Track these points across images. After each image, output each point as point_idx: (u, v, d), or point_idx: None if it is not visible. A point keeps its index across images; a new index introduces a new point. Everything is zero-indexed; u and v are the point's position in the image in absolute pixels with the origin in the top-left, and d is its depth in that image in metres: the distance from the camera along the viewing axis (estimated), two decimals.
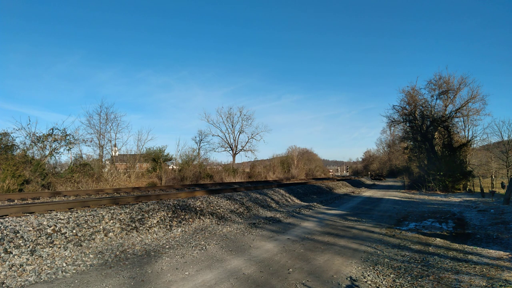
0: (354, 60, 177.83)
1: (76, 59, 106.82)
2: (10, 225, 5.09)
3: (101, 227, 6.05)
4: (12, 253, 4.51)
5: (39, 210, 6.82)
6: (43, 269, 4.37)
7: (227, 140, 43.01)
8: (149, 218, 7.13)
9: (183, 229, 7.28)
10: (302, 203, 14.12)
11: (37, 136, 15.85)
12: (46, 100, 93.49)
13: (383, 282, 4.07)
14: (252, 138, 43.44)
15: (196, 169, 25.70)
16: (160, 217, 7.35)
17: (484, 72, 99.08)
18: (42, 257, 4.67)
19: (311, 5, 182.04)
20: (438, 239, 6.71)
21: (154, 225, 6.97)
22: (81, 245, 5.34)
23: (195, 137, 39.64)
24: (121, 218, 6.62)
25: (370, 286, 3.95)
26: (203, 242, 6.18)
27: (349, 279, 4.22)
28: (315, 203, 13.43)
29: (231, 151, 43.08)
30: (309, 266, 4.75)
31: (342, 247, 5.98)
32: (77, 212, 6.41)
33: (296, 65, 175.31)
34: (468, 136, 28.17)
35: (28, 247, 4.75)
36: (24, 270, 4.25)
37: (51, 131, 16.27)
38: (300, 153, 59.46)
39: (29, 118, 18.69)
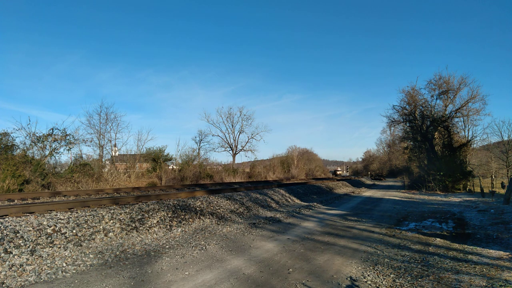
0: (354, 60, 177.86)
1: (76, 59, 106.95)
2: (10, 225, 5.09)
3: (101, 227, 6.05)
4: (12, 253, 4.51)
5: (39, 210, 6.82)
6: (43, 269, 4.37)
7: (227, 140, 43.01)
8: (149, 218, 7.13)
9: (183, 229, 7.28)
10: (302, 203, 14.12)
11: (37, 136, 15.84)
12: (46, 100, 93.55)
13: (383, 282, 4.07)
14: (252, 138, 43.41)
15: (196, 169, 25.70)
16: (160, 217, 7.35)
17: (484, 72, 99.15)
18: (42, 257, 4.67)
19: (311, 5, 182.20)
20: (438, 239, 6.71)
21: (154, 225, 6.97)
22: (81, 245, 5.34)
23: (195, 137, 39.60)
24: (121, 218, 6.62)
25: (370, 286, 3.95)
26: (203, 242, 6.18)
27: (349, 279, 4.22)
28: (315, 203, 13.43)
29: (231, 151, 43.06)
30: (309, 266, 4.75)
31: (342, 247, 5.98)
32: (77, 212, 6.41)
33: (296, 65, 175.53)
34: (468, 136, 28.19)
35: (28, 247, 4.75)
36: (24, 270, 4.25)
37: (51, 131, 16.27)
38: (300, 153, 59.37)
39: (29, 118, 18.73)
